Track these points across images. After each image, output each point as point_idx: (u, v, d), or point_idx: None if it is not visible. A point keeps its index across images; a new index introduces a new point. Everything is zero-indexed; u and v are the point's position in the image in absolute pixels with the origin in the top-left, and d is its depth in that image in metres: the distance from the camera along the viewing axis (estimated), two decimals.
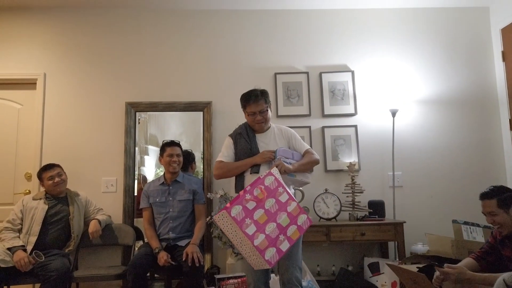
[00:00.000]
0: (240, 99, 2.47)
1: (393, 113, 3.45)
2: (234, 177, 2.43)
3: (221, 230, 2.19)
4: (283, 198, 2.10)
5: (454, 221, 2.68)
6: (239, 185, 2.38)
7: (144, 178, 3.65)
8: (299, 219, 2.10)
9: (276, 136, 2.48)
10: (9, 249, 2.72)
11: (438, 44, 3.71)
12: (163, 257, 2.75)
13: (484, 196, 2.14)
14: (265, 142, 2.44)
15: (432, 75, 3.67)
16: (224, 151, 2.47)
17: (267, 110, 2.44)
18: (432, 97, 3.64)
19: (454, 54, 3.71)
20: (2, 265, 2.62)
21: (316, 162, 2.47)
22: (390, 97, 3.47)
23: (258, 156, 2.35)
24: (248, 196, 2.00)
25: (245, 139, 2.43)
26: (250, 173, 2.34)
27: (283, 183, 2.15)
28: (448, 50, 3.71)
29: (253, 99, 2.40)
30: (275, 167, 2.19)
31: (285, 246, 2.01)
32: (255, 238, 1.92)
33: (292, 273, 2.23)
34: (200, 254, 2.71)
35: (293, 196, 2.16)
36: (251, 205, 1.99)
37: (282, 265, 2.26)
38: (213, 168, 3.43)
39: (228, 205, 1.97)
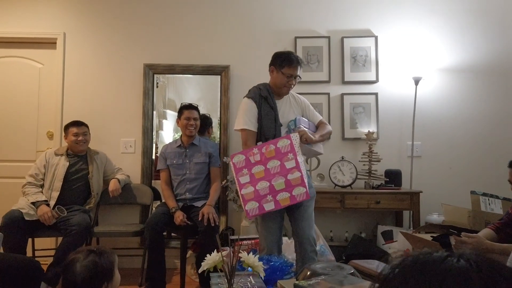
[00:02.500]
0: (277, 56, 2.35)
1: (416, 81, 3.34)
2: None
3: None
4: (289, 164, 2.10)
5: (472, 192, 2.64)
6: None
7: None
8: (296, 189, 2.10)
9: (292, 104, 2.43)
10: (33, 203, 2.83)
11: (467, 10, 3.52)
12: (179, 217, 2.82)
13: None
14: (282, 109, 2.38)
15: (459, 42, 3.51)
16: (249, 118, 2.30)
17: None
18: (457, 66, 3.50)
19: (483, 21, 3.51)
20: (27, 218, 2.74)
21: (330, 133, 2.51)
22: (413, 65, 3.35)
23: None
24: (255, 150, 2.09)
25: (271, 105, 2.33)
26: None
27: (296, 150, 2.13)
28: (476, 17, 3.51)
29: (297, 62, 2.31)
30: (296, 133, 2.17)
31: (269, 206, 2.08)
32: (243, 188, 2.06)
33: (309, 234, 2.28)
34: (216, 215, 2.77)
35: (301, 167, 2.13)
36: (252, 159, 2.07)
37: (298, 226, 2.29)
38: (229, 133, 3.47)
39: (239, 152, 2.11)
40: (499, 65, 3.49)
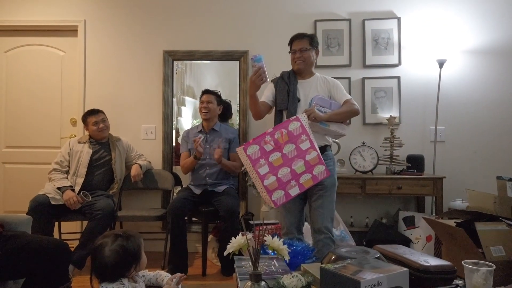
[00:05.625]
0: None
1: (440, 64, 3.24)
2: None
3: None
4: (304, 146, 2.12)
5: (498, 177, 2.56)
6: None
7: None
8: (316, 169, 2.12)
9: (318, 84, 2.42)
10: (59, 188, 2.91)
11: None
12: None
13: None
14: (305, 88, 2.40)
15: (485, 22, 3.38)
16: (264, 92, 2.49)
17: (308, 50, 2.39)
18: (483, 47, 3.38)
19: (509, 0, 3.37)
20: (53, 203, 2.82)
21: (355, 112, 2.36)
22: (438, 47, 3.25)
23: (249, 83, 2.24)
24: (267, 138, 2.08)
25: (286, 81, 2.40)
26: (287, 118, 2.31)
27: (308, 131, 2.14)
28: None
29: (298, 37, 2.42)
30: (303, 113, 2.18)
31: (294, 191, 2.08)
32: (265, 178, 2.03)
33: (323, 223, 2.27)
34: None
35: (316, 145, 2.15)
36: (268, 147, 2.05)
37: (313, 214, 2.31)
38: (249, 119, 3.47)
39: (251, 141, 2.06)
40: None
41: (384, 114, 3.38)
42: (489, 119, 3.37)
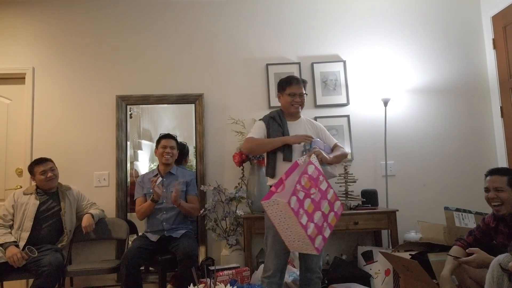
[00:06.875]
0: (279, 83, 2.54)
1: (385, 103, 3.45)
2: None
3: (266, 213, 2.12)
4: (323, 186, 2.14)
5: (446, 208, 2.69)
6: (270, 170, 2.40)
7: (137, 173, 3.62)
8: (335, 205, 2.15)
9: (307, 126, 2.52)
10: (1, 245, 2.71)
11: (429, 33, 3.71)
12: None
13: (495, 171, 2.16)
14: (295, 129, 2.47)
15: (423, 64, 3.67)
16: (255, 131, 2.47)
17: (305, 95, 2.51)
18: (424, 86, 3.65)
19: (446, 42, 3.70)
20: None
21: (346, 156, 2.53)
22: (382, 87, 3.47)
23: (292, 136, 2.36)
24: (298, 187, 2.00)
25: (278, 123, 2.46)
26: (283, 160, 2.35)
27: (322, 171, 2.17)
28: (439, 39, 3.70)
29: (296, 81, 2.49)
30: (314, 155, 2.19)
31: (327, 233, 2.08)
32: (308, 228, 1.96)
33: (317, 263, 2.38)
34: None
35: (329, 183, 2.20)
36: (301, 194, 2.00)
37: (308, 255, 2.32)
38: (206, 161, 3.46)
39: (273, 189, 2.02)
40: (464, 84, 3.64)
41: None
42: (434, 152, 3.57)
